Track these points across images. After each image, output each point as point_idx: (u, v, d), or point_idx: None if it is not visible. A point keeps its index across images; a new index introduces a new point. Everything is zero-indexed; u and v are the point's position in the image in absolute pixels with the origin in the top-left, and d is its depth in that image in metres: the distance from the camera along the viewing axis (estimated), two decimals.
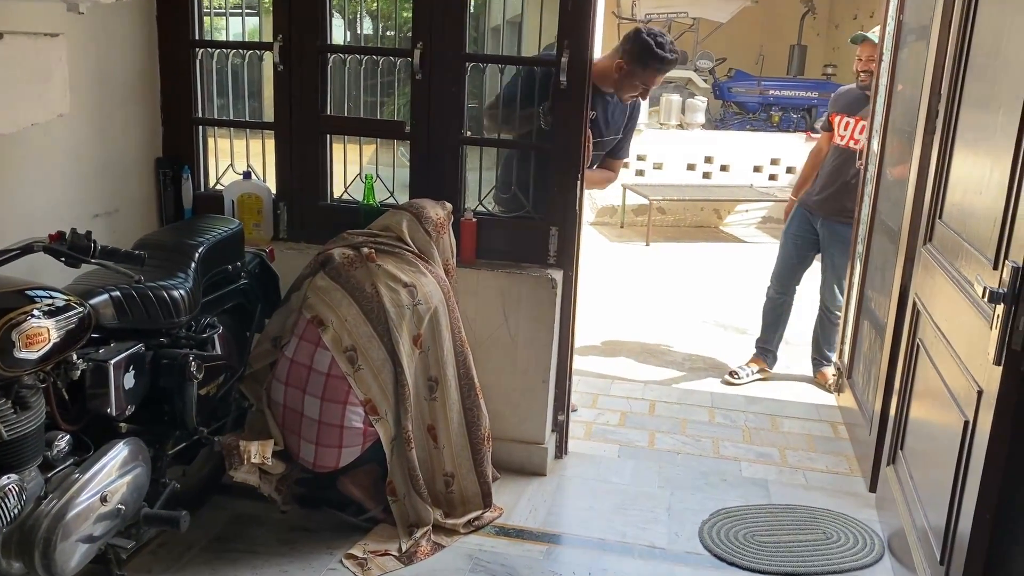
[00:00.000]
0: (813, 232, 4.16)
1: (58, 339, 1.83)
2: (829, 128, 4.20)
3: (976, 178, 2.21)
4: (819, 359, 4.31)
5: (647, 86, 3.22)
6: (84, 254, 1.94)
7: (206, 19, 3.20)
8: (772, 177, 9.20)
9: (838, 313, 4.15)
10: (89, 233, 1.96)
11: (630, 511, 2.91)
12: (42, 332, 1.77)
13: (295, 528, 2.68)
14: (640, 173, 8.94)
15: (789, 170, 9.13)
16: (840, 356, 4.00)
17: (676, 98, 9.66)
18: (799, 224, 4.23)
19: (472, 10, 3.05)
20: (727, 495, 3.07)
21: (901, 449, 2.74)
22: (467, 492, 2.75)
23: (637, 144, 8.89)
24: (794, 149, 8.95)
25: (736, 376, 4.23)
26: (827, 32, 13.38)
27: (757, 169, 9.18)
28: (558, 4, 2.85)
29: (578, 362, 4.27)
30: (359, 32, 3.64)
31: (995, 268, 1.92)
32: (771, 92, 11.15)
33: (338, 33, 3.55)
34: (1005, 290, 1.79)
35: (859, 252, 3.79)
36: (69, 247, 1.92)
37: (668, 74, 10.48)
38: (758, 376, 4.28)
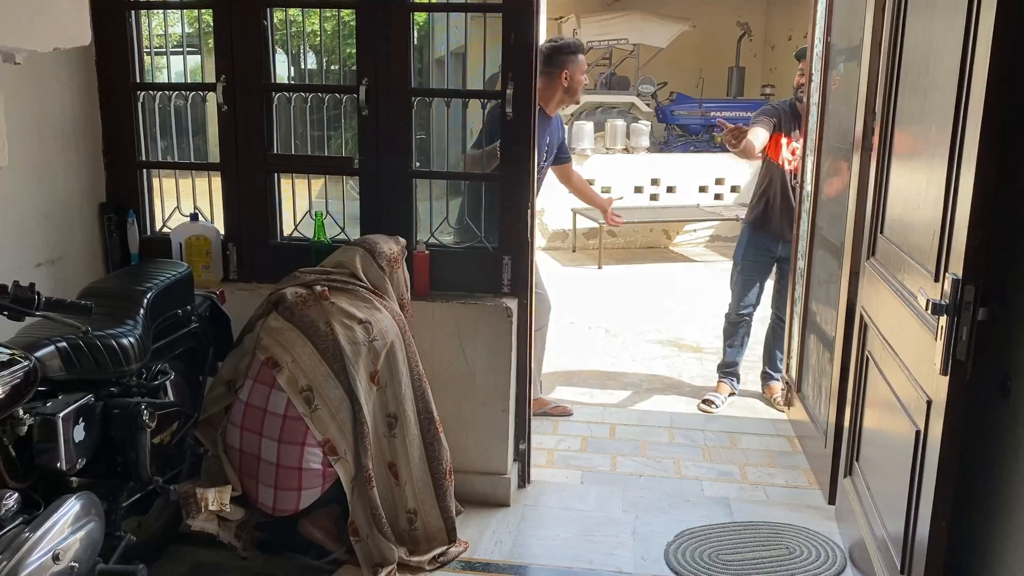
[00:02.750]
0: (770, 253, 4.20)
1: (2, 395, 1.78)
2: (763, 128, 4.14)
3: (914, 193, 2.28)
4: (769, 372, 4.36)
5: (583, 70, 3.72)
6: (28, 307, 1.89)
7: (147, 58, 3.17)
8: (717, 197, 9.38)
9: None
10: (32, 285, 1.91)
11: (596, 537, 2.91)
12: None
13: (257, 575, 2.62)
14: None
15: (734, 189, 9.32)
16: (787, 371, 4.06)
17: (620, 123, 9.81)
18: (756, 250, 4.22)
19: (415, 42, 3.07)
20: (691, 515, 3.08)
21: (857, 461, 2.79)
22: (431, 528, 2.72)
23: (586, 170, 9.01)
24: (737, 169, 9.13)
25: (713, 404, 4.20)
26: (763, 53, 13.74)
27: (703, 189, 9.35)
28: (500, 36, 2.89)
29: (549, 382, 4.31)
30: (303, 68, 3.63)
31: (936, 280, 1.97)
32: (712, 113, 11.38)
33: (282, 69, 3.54)
34: (947, 302, 1.84)
35: (800, 268, 3.86)
36: (12, 300, 1.87)
37: (611, 99, 10.65)
38: (729, 400, 4.30)
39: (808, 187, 3.76)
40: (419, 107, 3.05)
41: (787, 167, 4.10)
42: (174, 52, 3.33)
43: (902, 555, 2.15)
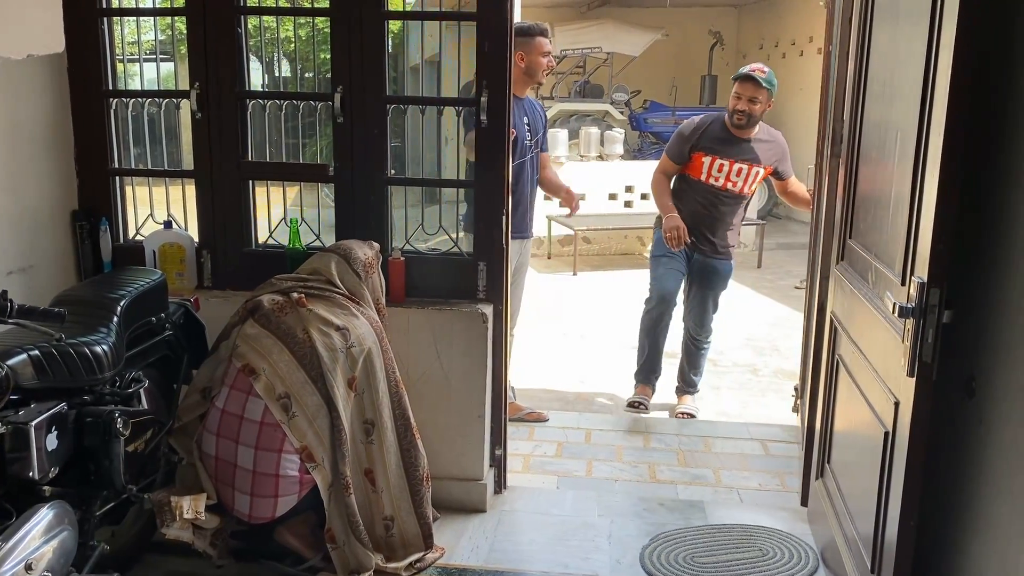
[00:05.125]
0: (686, 266, 4.18)
1: None
2: (683, 161, 4.09)
3: (881, 198, 2.32)
4: (684, 386, 4.39)
5: (547, 52, 3.75)
6: (0, 314, 1.88)
7: (121, 65, 3.15)
8: None
9: (708, 342, 4.35)
10: (5, 292, 1.90)
11: (571, 542, 2.93)
12: None
13: None
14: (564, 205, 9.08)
15: None
16: (801, 378, 4.07)
17: (595, 131, 9.87)
18: (673, 259, 4.15)
19: (390, 50, 3.09)
20: (666, 519, 3.11)
21: (828, 462, 2.83)
22: (407, 534, 2.72)
23: (560, 176, 9.03)
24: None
25: (642, 407, 4.23)
26: (735, 61, 13.87)
27: None
28: (474, 44, 2.91)
29: (521, 389, 4.32)
30: (277, 75, 3.63)
31: (903, 284, 2.01)
32: (685, 121, 11.46)
33: (257, 76, 3.55)
34: (913, 305, 1.88)
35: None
36: None
37: (585, 107, 10.73)
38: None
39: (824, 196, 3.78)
40: (394, 114, 3.06)
41: (712, 183, 4.05)
42: (148, 59, 3.31)
43: (872, 555, 2.19)
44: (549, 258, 8.81)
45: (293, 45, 3.50)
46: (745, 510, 3.21)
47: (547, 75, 3.92)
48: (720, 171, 4.04)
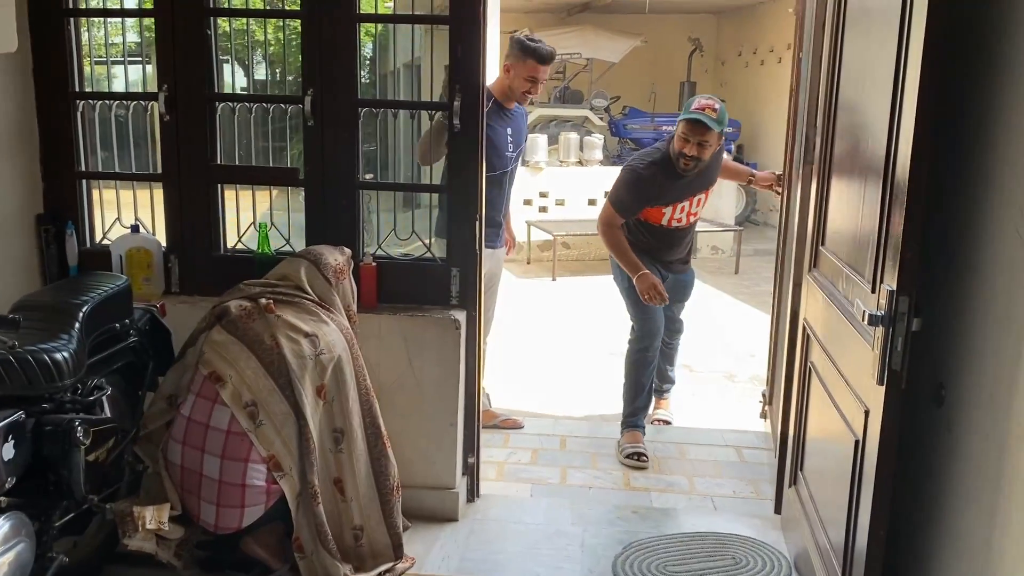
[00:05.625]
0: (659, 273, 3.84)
1: None
2: (634, 215, 3.75)
3: (852, 206, 2.32)
4: (662, 384, 4.21)
5: (534, 79, 3.52)
6: None
7: (94, 67, 3.11)
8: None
9: (679, 339, 4.22)
10: None
11: (544, 551, 2.90)
12: None
13: None
14: (544, 210, 9.09)
15: None
16: (768, 383, 4.08)
17: (574, 136, 9.88)
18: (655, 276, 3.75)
19: (371, 53, 3.06)
20: (639, 527, 3.09)
21: (801, 470, 2.82)
22: (377, 545, 2.69)
23: (540, 181, 9.05)
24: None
25: (644, 457, 3.67)
26: (714, 68, 13.97)
27: None
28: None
29: (496, 399, 4.29)
30: (251, 78, 3.59)
31: (873, 292, 2.01)
32: (664, 127, 11.51)
33: (238, 78, 3.51)
34: (883, 313, 1.87)
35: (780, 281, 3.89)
36: None
37: (565, 113, 10.71)
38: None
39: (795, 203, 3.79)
40: (370, 119, 3.03)
41: (676, 224, 3.79)
42: (116, 61, 3.26)
43: (843, 564, 2.18)
44: (528, 263, 8.79)
45: (271, 48, 3.46)
46: (719, 518, 3.20)
47: (527, 102, 3.70)
48: (682, 212, 3.76)
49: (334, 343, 2.58)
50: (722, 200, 8.98)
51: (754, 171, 4.29)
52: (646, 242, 3.82)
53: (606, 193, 9.63)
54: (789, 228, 3.62)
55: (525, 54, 3.49)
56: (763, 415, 4.09)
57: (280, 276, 2.70)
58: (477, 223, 2.97)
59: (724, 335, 6.07)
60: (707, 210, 9.19)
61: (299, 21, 2.94)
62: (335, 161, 2.97)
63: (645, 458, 3.66)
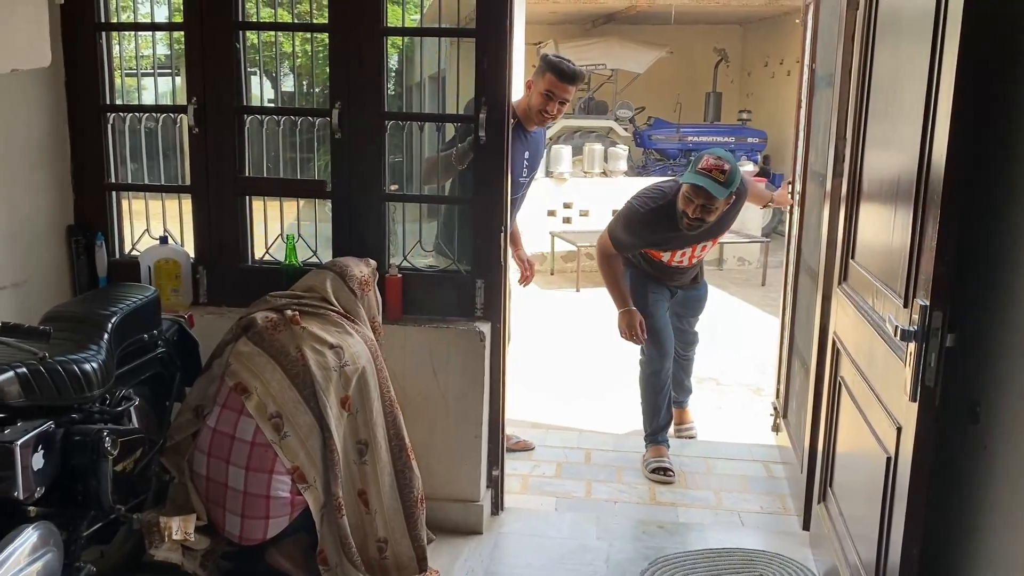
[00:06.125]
0: (669, 300, 3.85)
1: None
2: (631, 252, 3.67)
3: (883, 218, 2.29)
4: (681, 396, 4.15)
5: (551, 93, 3.35)
6: None
7: (125, 79, 3.14)
8: None
9: (694, 350, 4.12)
10: None
11: (568, 565, 2.88)
12: None
13: None
14: (567, 220, 9.07)
15: None
16: (777, 396, 4.05)
17: (598, 147, 9.87)
18: (660, 303, 3.77)
19: (395, 65, 3.07)
20: (665, 542, 3.06)
21: (830, 486, 2.78)
22: (401, 558, 2.67)
23: (564, 192, 9.05)
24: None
25: (671, 472, 3.63)
26: (740, 79, 13.92)
27: None
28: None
29: (513, 412, 4.26)
30: (278, 90, 3.62)
31: (906, 307, 1.98)
32: (690, 138, 11.48)
33: (267, 91, 3.55)
34: (915, 328, 1.84)
35: (788, 293, 3.87)
36: None
37: (589, 124, 10.58)
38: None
39: (795, 214, 3.78)
40: (396, 131, 3.03)
41: (678, 262, 3.67)
42: (146, 74, 3.30)
43: None
44: (552, 274, 8.78)
45: (299, 60, 3.48)
46: (746, 533, 3.16)
47: (546, 123, 3.52)
48: (683, 255, 3.63)
49: (359, 355, 2.58)
50: (748, 212, 8.91)
51: (772, 195, 4.13)
52: (648, 270, 3.72)
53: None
54: (806, 240, 3.58)
55: (545, 67, 3.38)
56: (775, 428, 4.04)
57: (306, 288, 2.71)
58: (502, 234, 2.96)
59: (751, 348, 6.02)
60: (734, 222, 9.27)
61: (327, 34, 2.96)
62: (361, 173, 2.98)
63: (671, 473, 3.61)
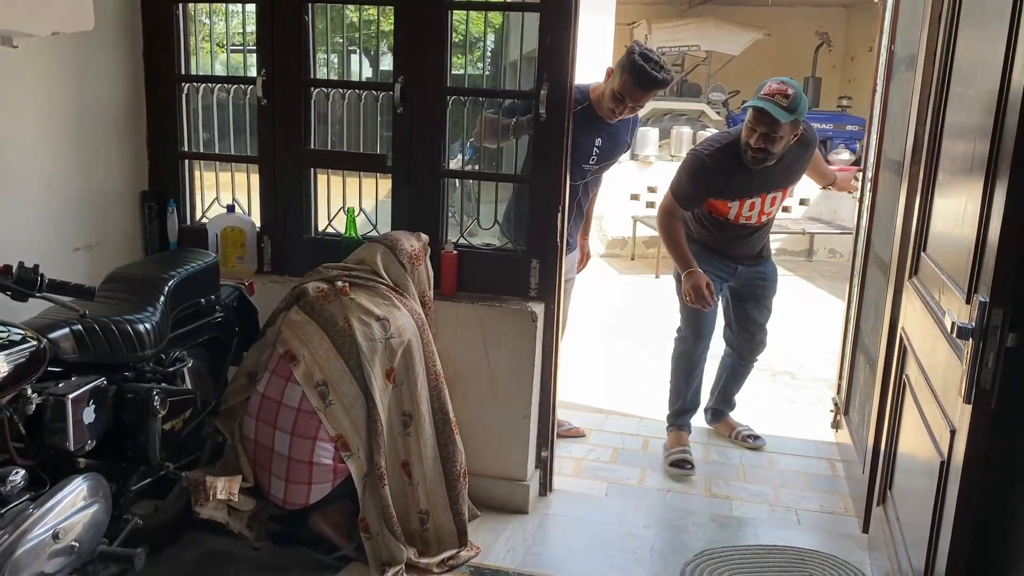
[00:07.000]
0: (724, 271, 3.58)
1: (7, 373, 1.81)
2: (699, 207, 3.46)
3: (955, 209, 2.15)
4: (724, 406, 3.92)
5: (621, 97, 3.12)
6: (30, 288, 1.93)
7: (205, 49, 3.22)
8: (785, 209, 9.09)
9: (757, 357, 3.79)
10: (36, 266, 1.95)
11: (612, 551, 2.84)
12: None
13: (266, 566, 2.63)
14: (651, 205, 8.91)
15: (802, 202, 9.07)
16: (838, 392, 3.90)
17: (687, 130, 9.65)
18: (719, 275, 3.54)
19: (492, 44, 3.03)
20: (715, 535, 2.98)
21: (890, 489, 2.65)
22: (442, 530, 2.69)
23: (648, 176, 8.89)
24: (807, 182, 8.82)
25: (688, 464, 3.47)
26: (842, 64, 13.36)
27: None
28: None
29: (576, 395, 4.24)
30: (344, 65, 3.65)
31: (967, 303, 1.86)
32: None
33: (327, 65, 3.58)
34: (973, 325, 1.72)
35: (854, 285, 3.71)
36: (15, 280, 1.92)
37: (680, 106, 10.24)
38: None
39: (866, 201, 3.61)
40: (459, 107, 3.02)
41: (744, 221, 3.44)
42: (220, 46, 3.38)
43: None
44: (632, 259, 8.66)
45: (358, 33, 3.48)
46: (801, 532, 3.05)
47: (612, 119, 3.23)
48: (752, 209, 3.40)
49: (404, 327, 2.60)
50: (841, 201, 8.59)
51: (835, 176, 3.88)
52: (709, 235, 3.51)
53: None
54: (877, 230, 3.40)
55: (626, 67, 3.08)
56: (835, 425, 3.87)
57: (358, 260, 2.73)
58: (559, 215, 2.92)
59: (830, 342, 5.79)
60: (823, 210, 8.94)
61: (392, 8, 2.96)
62: (422, 149, 2.98)
63: (690, 465, 3.44)
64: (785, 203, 9.38)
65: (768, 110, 3.09)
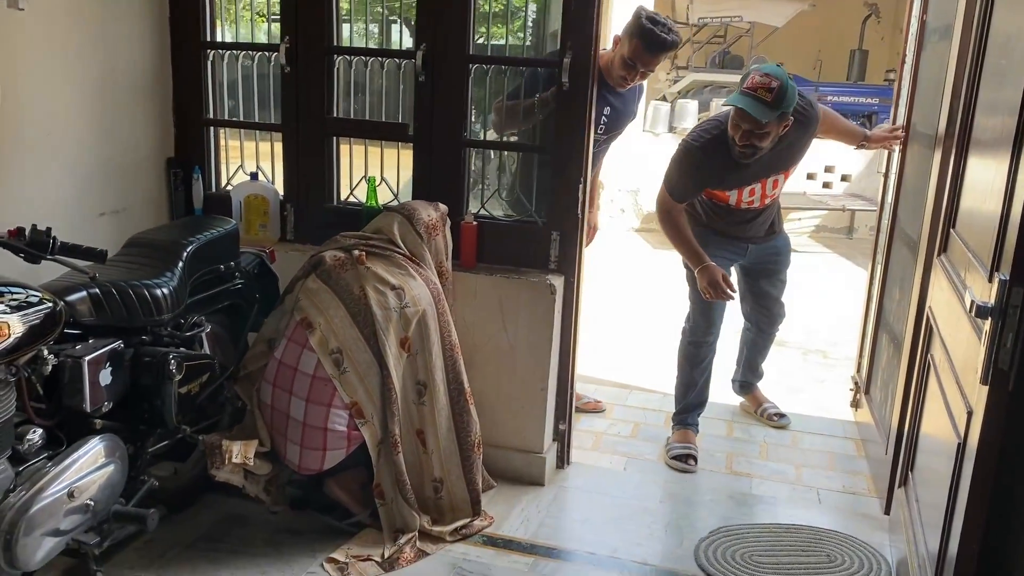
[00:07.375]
0: (733, 255, 3.43)
1: (21, 333, 1.85)
2: (695, 198, 3.29)
3: (983, 185, 2.08)
4: (752, 377, 3.82)
5: (632, 63, 3.05)
6: (42, 250, 1.96)
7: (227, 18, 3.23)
8: (826, 185, 8.93)
9: (778, 327, 3.69)
10: (49, 229, 1.98)
11: (627, 526, 2.83)
12: (2, 327, 1.79)
13: (281, 530, 2.67)
14: None
15: (844, 178, 8.88)
16: (858, 370, 3.83)
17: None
18: (727, 257, 3.38)
19: (534, 15, 2.96)
20: (732, 513, 2.96)
21: (911, 470, 2.60)
22: (456, 499, 2.71)
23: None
24: (849, 157, 8.64)
25: (692, 461, 3.30)
26: (892, 36, 12.94)
27: (811, 176, 8.89)
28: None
29: (601, 370, 4.22)
30: (367, 32, 3.63)
31: (989, 281, 1.79)
32: (829, 98, 10.83)
33: (351, 32, 3.56)
34: (992, 304, 1.66)
35: (878, 262, 3.63)
36: (27, 243, 1.95)
37: (721, 78, 9.98)
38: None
39: (892, 177, 3.52)
40: (477, 76, 2.99)
41: (745, 205, 3.27)
42: (244, 13, 3.38)
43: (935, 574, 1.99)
44: None
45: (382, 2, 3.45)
46: (822, 512, 3.01)
47: (622, 88, 3.18)
48: (752, 195, 3.23)
49: (420, 297, 2.60)
50: (881, 177, 8.38)
51: (867, 132, 3.56)
52: (714, 220, 3.35)
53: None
54: (903, 206, 3.30)
55: (634, 32, 3.01)
56: (854, 404, 3.79)
57: (375, 229, 2.73)
58: (581, 186, 2.89)
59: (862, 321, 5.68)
60: (865, 187, 8.74)
61: None
62: (443, 118, 2.96)
63: (693, 461, 3.28)
64: (826, 179, 9.11)
65: (747, 109, 2.88)
